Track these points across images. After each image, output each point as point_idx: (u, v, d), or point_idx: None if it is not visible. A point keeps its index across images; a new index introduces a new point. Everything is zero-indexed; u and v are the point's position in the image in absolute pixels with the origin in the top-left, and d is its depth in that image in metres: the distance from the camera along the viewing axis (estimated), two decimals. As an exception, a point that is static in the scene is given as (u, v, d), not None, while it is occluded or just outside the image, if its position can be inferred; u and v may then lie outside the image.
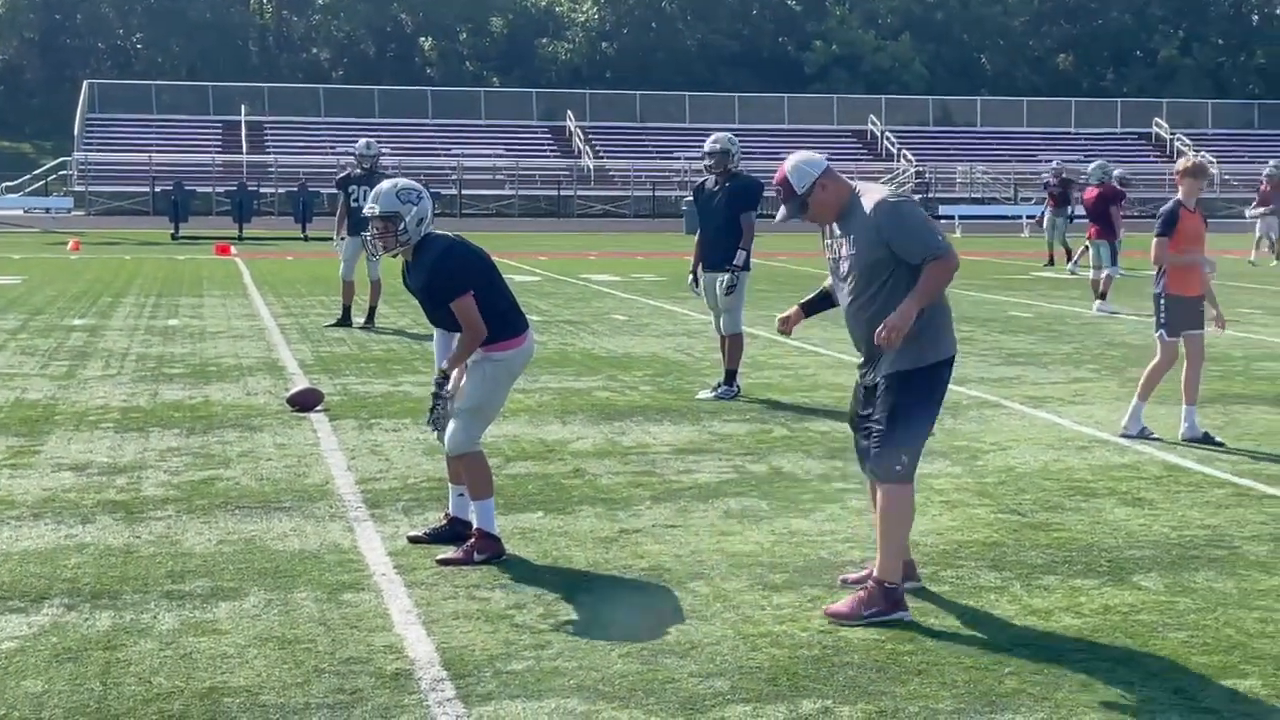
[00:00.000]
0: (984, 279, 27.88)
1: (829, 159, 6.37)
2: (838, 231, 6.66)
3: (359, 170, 18.69)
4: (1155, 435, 10.79)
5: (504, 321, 7.54)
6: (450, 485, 7.89)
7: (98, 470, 9.65)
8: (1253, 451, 10.47)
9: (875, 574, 6.50)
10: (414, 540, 7.76)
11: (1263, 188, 33.00)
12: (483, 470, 7.55)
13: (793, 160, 6.65)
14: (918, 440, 6.54)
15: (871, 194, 6.56)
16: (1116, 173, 25.52)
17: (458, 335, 7.53)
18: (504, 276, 7.78)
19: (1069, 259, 31.66)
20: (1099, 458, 10.20)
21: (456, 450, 7.54)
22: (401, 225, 7.46)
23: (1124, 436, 10.75)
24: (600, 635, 6.23)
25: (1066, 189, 32.10)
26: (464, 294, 7.39)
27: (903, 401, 6.48)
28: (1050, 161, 33.95)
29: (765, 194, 12.21)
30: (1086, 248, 29.55)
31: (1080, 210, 34.84)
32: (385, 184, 7.64)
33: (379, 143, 20.97)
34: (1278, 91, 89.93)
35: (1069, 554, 7.59)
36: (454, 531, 7.71)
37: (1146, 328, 19.14)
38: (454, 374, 7.57)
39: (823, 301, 7.16)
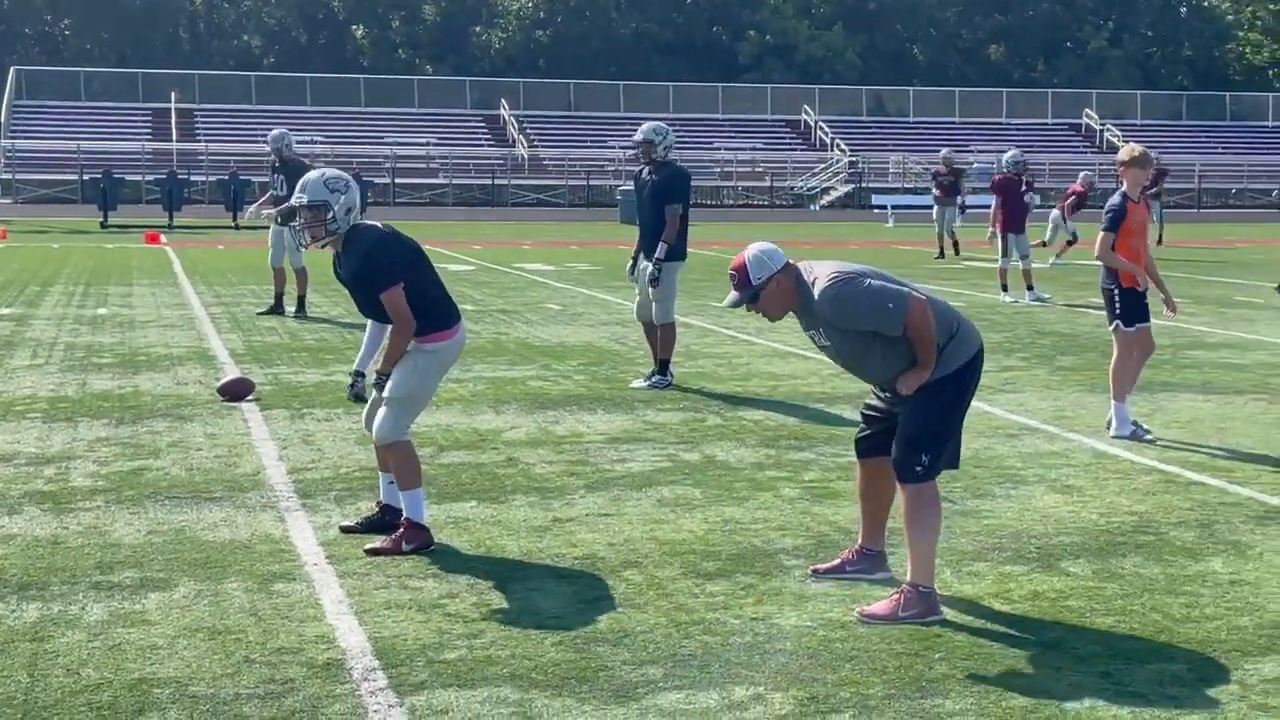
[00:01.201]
0: (915, 269, 28.04)
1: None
2: (805, 323, 6.55)
3: (275, 160, 18.74)
4: (1148, 432, 10.57)
5: (435, 313, 7.49)
6: (380, 473, 7.85)
7: (25, 460, 9.55)
8: (1179, 438, 10.59)
9: (910, 578, 6.41)
10: (347, 530, 7.72)
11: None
12: (411, 460, 7.51)
13: (754, 249, 6.43)
14: (939, 442, 6.44)
15: (818, 283, 6.36)
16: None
17: (390, 328, 7.50)
18: (436, 267, 7.75)
19: (957, 250, 31.45)
20: (1029, 445, 10.28)
21: (384, 439, 7.49)
22: (330, 214, 7.36)
23: (1116, 439, 10.48)
24: (533, 624, 6.23)
25: (957, 179, 32.03)
26: (394, 286, 7.32)
27: (926, 406, 6.40)
28: (940, 151, 33.39)
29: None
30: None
31: (972, 200, 34.87)
32: (313, 174, 7.55)
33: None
34: (1206, 83, 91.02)
35: (998, 541, 7.66)
36: (386, 520, 7.67)
37: (1076, 316, 19.34)
38: (373, 368, 7.56)
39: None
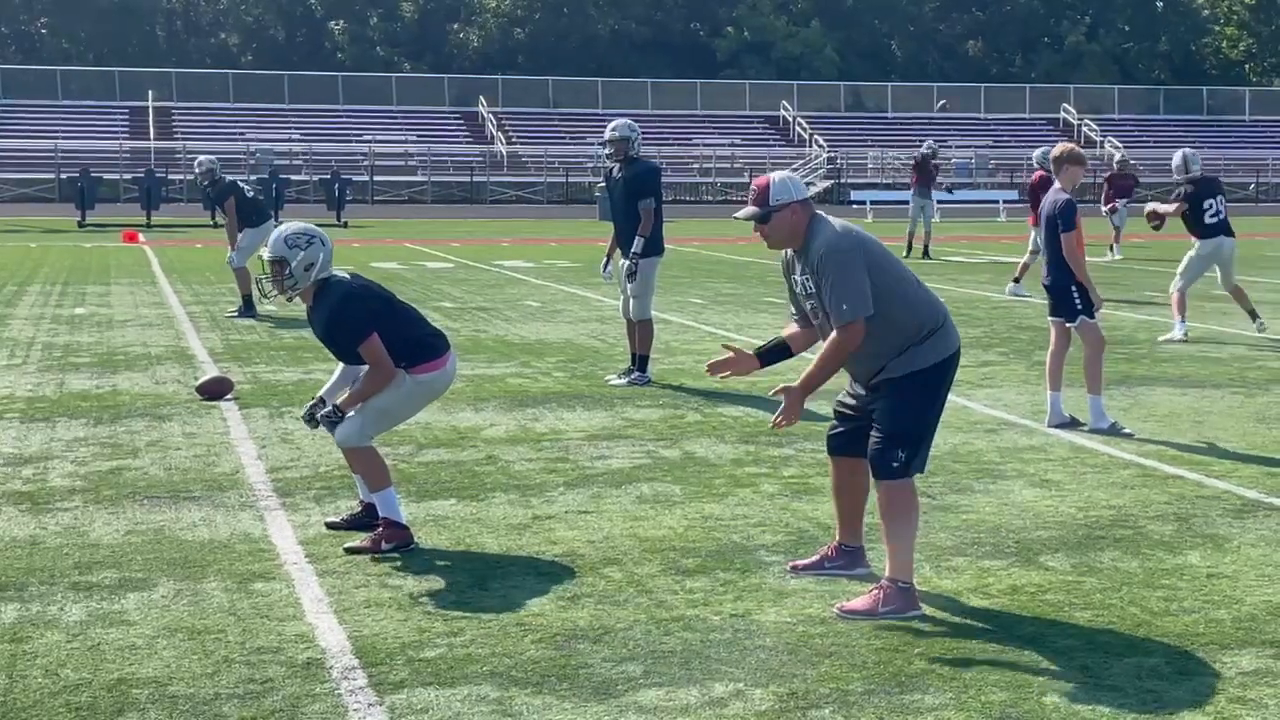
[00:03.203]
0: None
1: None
2: (799, 267, 6.53)
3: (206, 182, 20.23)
4: (1126, 430, 10.56)
5: (421, 346, 7.51)
6: (355, 474, 7.84)
7: (2, 461, 9.52)
8: (1157, 433, 10.62)
9: (889, 573, 6.41)
10: (332, 526, 7.72)
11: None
12: (374, 461, 7.49)
13: (782, 175, 6.53)
14: (915, 439, 6.41)
15: (823, 234, 6.39)
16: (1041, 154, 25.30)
17: (364, 368, 7.49)
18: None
19: (926, 252, 30.02)
20: (1007, 440, 10.31)
21: (345, 442, 7.46)
22: (288, 270, 7.38)
23: (1094, 432, 10.52)
24: (513, 622, 6.23)
25: (936, 170, 31.40)
26: (368, 337, 7.31)
27: (900, 402, 6.38)
28: (923, 143, 32.60)
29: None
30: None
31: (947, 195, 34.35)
32: (278, 229, 7.58)
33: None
34: (1183, 77, 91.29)
35: (977, 535, 7.67)
36: (370, 518, 7.65)
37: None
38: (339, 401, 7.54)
39: (779, 353, 6.81)
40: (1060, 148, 11.00)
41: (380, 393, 7.39)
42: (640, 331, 13.01)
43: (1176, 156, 16.57)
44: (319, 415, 7.51)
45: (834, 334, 6.33)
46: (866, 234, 6.51)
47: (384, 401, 7.43)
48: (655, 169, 13.12)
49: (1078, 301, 10.78)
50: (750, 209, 6.50)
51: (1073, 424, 10.71)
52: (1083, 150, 11.07)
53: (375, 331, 7.33)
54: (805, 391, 6.38)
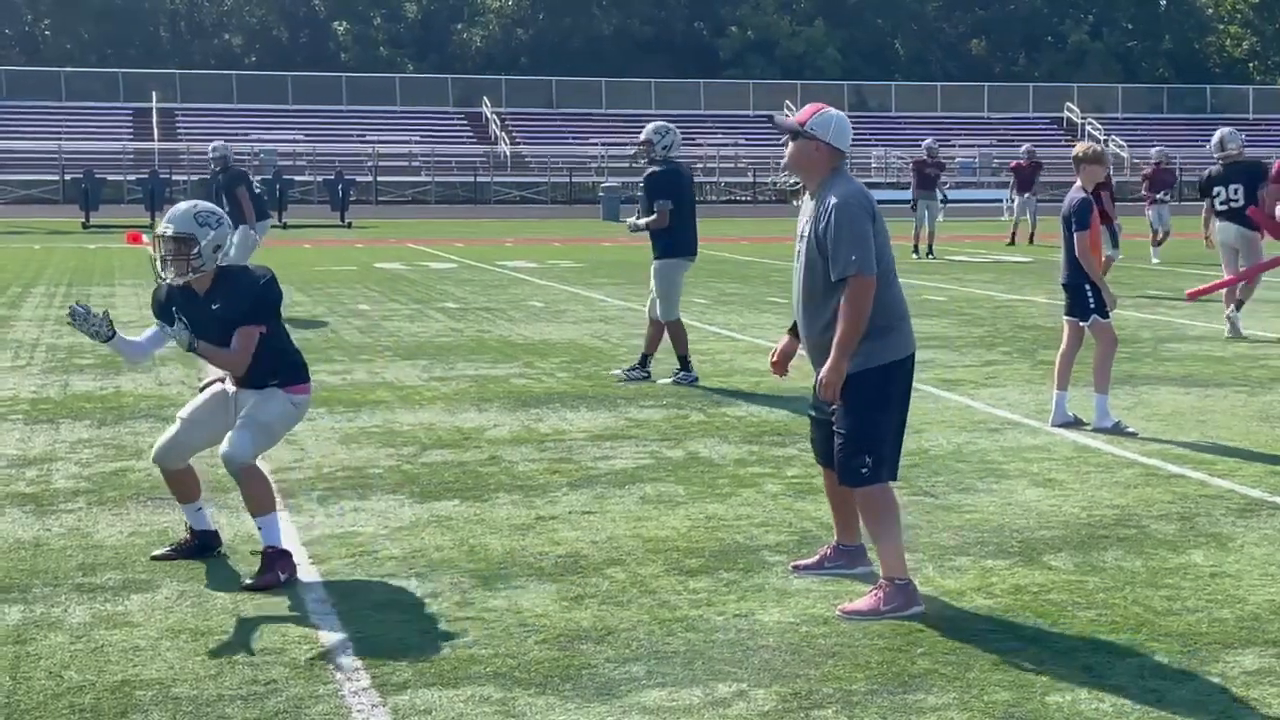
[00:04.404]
0: (898, 263, 28.01)
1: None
2: (809, 202, 6.53)
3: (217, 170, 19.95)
4: (1129, 429, 10.56)
5: (298, 364, 7.21)
6: (182, 505, 7.37)
7: (6, 463, 9.53)
8: (1160, 432, 10.61)
9: (884, 573, 6.42)
10: (159, 558, 7.20)
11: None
12: (266, 483, 7.03)
13: (834, 111, 6.55)
14: (879, 442, 6.38)
15: (846, 186, 6.40)
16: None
17: (167, 342, 7.16)
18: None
19: (931, 250, 30.01)
20: (1010, 439, 10.30)
21: (243, 460, 6.88)
22: (196, 250, 6.87)
23: (1098, 431, 10.50)
24: (516, 622, 6.23)
25: (940, 171, 31.49)
26: (258, 325, 6.94)
27: (856, 404, 6.35)
28: (923, 141, 32.54)
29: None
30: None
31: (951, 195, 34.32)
32: (183, 205, 7.12)
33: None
34: (1186, 76, 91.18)
35: (981, 535, 7.67)
36: (203, 544, 7.27)
37: (1058, 309, 19.33)
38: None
39: None
40: (1080, 147, 10.92)
41: (272, 405, 7.02)
42: (670, 332, 13.09)
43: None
44: (184, 328, 6.95)
45: (849, 286, 6.28)
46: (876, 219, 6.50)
47: (267, 416, 7.02)
48: (674, 171, 13.08)
49: (1091, 301, 10.72)
50: (789, 121, 6.55)
51: (1076, 423, 10.69)
52: (1102, 149, 11.00)
53: (265, 326, 6.97)
54: (843, 360, 6.31)
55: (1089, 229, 10.59)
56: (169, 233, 6.92)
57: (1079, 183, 10.74)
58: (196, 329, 6.98)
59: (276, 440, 7.30)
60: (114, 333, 7.10)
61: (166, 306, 7.16)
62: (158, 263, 7.00)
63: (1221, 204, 16.36)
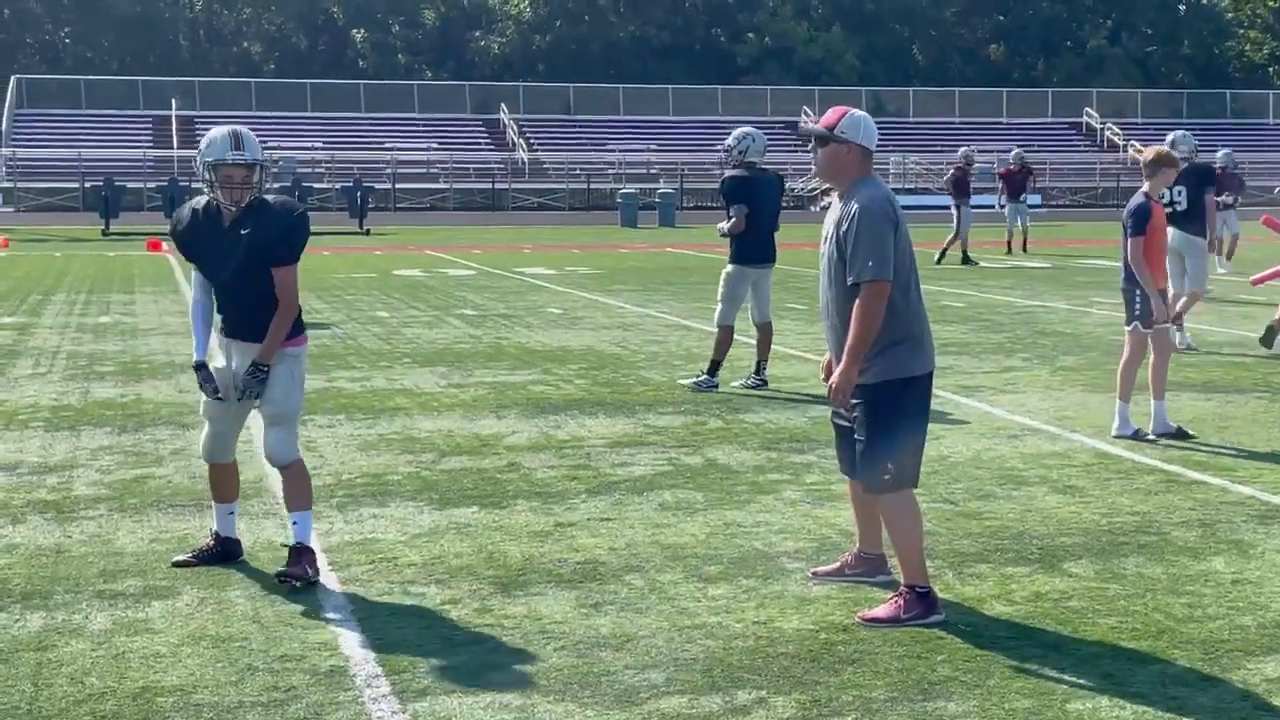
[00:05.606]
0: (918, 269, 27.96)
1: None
2: (837, 204, 6.51)
3: None
4: (1149, 436, 10.51)
5: (297, 317, 7.13)
6: (217, 504, 7.38)
7: (28, 470, 9.56)
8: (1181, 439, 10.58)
9: (904, 580, 6.42)
10: (181, 564, 7.20)
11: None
12: (307, 477, 7.13)
13: (858, 112, 6.51)
14: (901, 450, 6.39)
15: (872, 190, 6.39)
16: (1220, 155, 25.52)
17: (207, 316, 7.14)
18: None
19: (966, 258, 29.41)
20: (1030, 446, 10.28)
21: (286, 458, 7.00)
22: (260, 175, 6.87)
23: (1117, 438, 10.46)
24: (535, 629, 6.23)
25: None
26: (292, 264, 6.92)
27: (875, 414, 6.36)
28: (961, 149, 32.46)
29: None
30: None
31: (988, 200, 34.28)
32: (236, 131, 6.92)
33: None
34: (1205, 81, 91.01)
35: (1001, 542, 7.66)
36: (225, 551, 7.29)
37: (1078, 316, 19.34)
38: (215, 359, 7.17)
39: None
40: (1151, 151, 10.68)
41: (288, 389, 6.96)
42: (718, 336, 13.19)
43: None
44: (251, 379, 6.91)
45: (863, 291, 6.28)
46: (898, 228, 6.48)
47: (291, 403, 7.01)
48: (738, 177, 13.03)
49: (1137, 308, 10.53)
50: (817, 127, 6.50)
51: (1136, 436, 10.51)
52: (1172, 152, 10.80)
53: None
54: (853, 366, 6.31)
55: (1143, 235, 10.39)
56: (247, 158, 6.83)
57: (1146, 186, 10.60)
58: (220, 258, 6.92)
59: (301, 408, 7.26)
60: (210, 373, 7.15)
61: (195, 243, 7.06)
62: (219, 192, 6.86)
63: (1165, 205, 16.24)
